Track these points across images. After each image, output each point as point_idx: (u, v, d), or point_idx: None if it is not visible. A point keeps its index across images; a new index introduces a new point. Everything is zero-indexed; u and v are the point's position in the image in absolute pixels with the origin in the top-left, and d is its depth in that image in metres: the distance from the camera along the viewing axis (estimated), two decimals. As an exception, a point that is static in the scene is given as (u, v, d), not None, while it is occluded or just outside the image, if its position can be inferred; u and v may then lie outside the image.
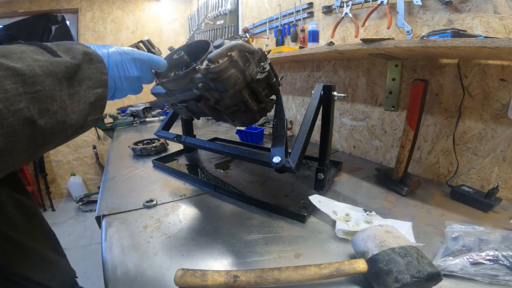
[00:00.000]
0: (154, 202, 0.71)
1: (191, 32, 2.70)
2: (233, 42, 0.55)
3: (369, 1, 0.92)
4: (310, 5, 1.22)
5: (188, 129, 1.06)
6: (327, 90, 0.68)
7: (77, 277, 0.58)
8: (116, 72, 0.40)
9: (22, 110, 0.24)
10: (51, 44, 0.31)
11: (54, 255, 0.51)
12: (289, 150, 0.64)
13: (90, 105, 0.32)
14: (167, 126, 1.00)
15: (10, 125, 0.23)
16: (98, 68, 0.33)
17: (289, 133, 1.44)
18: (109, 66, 0.39)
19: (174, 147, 1.19)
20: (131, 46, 0.51)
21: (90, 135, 2.73)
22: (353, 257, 0.50)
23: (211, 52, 0.54)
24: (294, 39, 1.35)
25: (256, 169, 0.93)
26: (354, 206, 0.66)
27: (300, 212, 0.64)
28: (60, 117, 0.28)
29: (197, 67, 0.53)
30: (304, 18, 1.28)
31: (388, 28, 0.86)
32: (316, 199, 0.65)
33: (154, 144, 1.16)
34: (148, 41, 0.62)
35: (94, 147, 2.79)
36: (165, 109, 2.18)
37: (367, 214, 0.62)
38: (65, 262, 0.55)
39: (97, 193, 1.69)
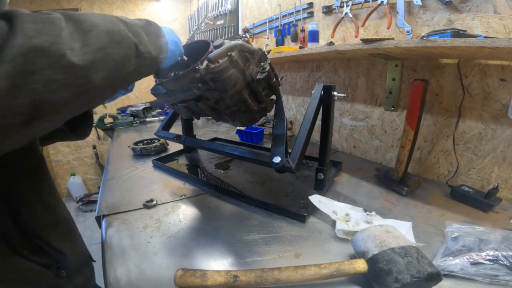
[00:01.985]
0: (154, 202, 0.71)
1: (191, 32, 2.70)
2: (233, 42, 0.55)
3: (369, 1, 0.92)
4: (310, 5, 1.22)
5: (188, 129, 1.06)
6: (327, 90, 0.68)
7: (94, 261, 0.63)
8: (167, 36, 0.50)
9: (131, 37, 0.37)
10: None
11: (74, 227, 0.58)
12: (289, 150, 0.64)
13: (160, 47, 0.44)
14: (167, 126, 1.00)
15: (128, 43, 0.36)
16: (157, 27, 0.46)
17: (289, 133, 1.44)
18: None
19: (174, 147, 1.19)
20: None
21: (90, 135, 2.73)
22: (353, 257, 0.50)
23: (211, 52, 0.54)
24: (294, 39, 1.35)
25: (256, 169, 0.93)
26: (354, 206, 0.66)
27: (300, 212, 0.64)
28: (147, 49, 0.40)
29: (197, 67, 0.53)
30: (304, 18, 1.28)
31: (388, 28, 0.86)
32: (316, 199, 0.65)
33: (154, 144, 1.16)
34: None
35: (94, 147, 2.79)
36: (165, 109, 2.18)
37: (367, 214, 0.62)
38: (81, 239, 0.61)
39: (97, 193, 1.69)
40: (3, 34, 0.24)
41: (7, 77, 0.24)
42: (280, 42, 1.45)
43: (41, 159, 0.51)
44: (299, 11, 1.28)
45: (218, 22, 2.20)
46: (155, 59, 0.44)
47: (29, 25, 0.26)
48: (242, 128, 1.31)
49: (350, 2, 0.99)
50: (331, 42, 0.89)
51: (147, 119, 1.96)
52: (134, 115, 1.95)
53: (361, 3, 0.96)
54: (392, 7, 0.85)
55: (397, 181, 0.78)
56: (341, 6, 1.03)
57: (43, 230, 0.46)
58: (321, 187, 0.75)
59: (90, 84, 0.31)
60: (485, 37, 0.52)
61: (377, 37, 0.69)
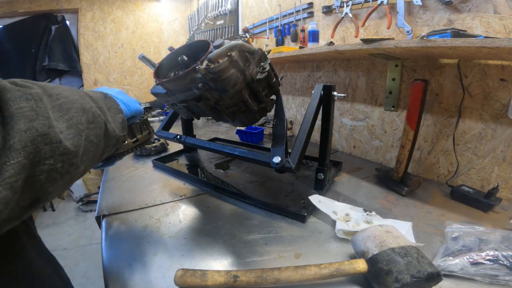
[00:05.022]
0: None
1: (191, 32, 2.70)
2: (233, 42, 0.55)
3: (369, 1, 0.92)
4: (310, 5, 1.22)
5: (188, 129, 1.06)
6: (327, 90, 0.68)
7: None
8: (120, 98, 0.49)
9: (101, 115, 0.35)
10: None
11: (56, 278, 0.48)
12: (289, 150, 0.64)
13: (120, 124, 0.42)
14: (167, 126, 1.00)
15: (99, 122, 0.34)
16: (113, 101, 0.43)
17: (289, 133, 1.44)
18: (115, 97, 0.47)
19: (174, 147, 1.19)
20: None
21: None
22: (353, 257, 0.50)
23: (211, 52, 0.54)
24: (294, 39, 1.35)
25: (256, 169, 0.93)
26: (354, 206, 0.66)
27: (300, 212, 0.64)
28: (111, 126, 0.38)
29: (197, 67, 0.53)
30: (304, 18, 1.28)
31: (388, 28, 0.86)
32: (316, 199, 0.65)
33: (154, 144, 1.16)
34: (144, 56, 0.66)
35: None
36: (165, 109, 2.18)
37: (367, 214, 0.62)
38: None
39: (97, 193, 1.69)
40: None
41: (23, 169, 0.20)
42: (280, 42, 1.45)
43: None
44: (299, 11, 1.28)
45: (218, 22, 2.20)
46: (118, 139, 0.40)
47: (23, 103, 0.21)
48: (242, 128, 1.31)
49: (350, 2, 0.99)
50: (331, 42, 0.89)
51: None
52: (134, 115, 1.95)
53: (361, 3, 0.96)
54: (392, 7, 0.85)
55: (397, 181, 0.78)
56: (341, 6, 1.03)
57: None
58: (321, 187, 0.75)
59: (78, 170, 0.27)
60: (485, 37, 0.52)
61: (377, 37, 0.69)
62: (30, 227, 0.45)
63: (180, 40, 2.99)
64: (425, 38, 0.60)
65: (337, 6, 1.04)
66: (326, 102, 0.69)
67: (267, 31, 1.57)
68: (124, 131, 0.43)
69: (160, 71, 0.68)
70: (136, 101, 0.53)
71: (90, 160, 0.31)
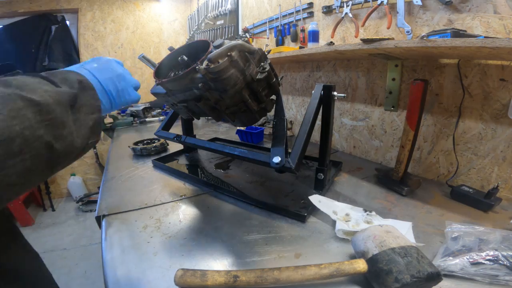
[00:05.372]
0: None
1: (191, 32, 2.70)
2: (233, 42, 0.55)
3: (369, 1, 0.92)
4: (310, 5, 1.22)
5: (188, 129, 1.06)
6: (327, 90, 0.68)
7: None
8: (109, 87, 0.43)
9: (43, 136, 0.27)
10: (46, 73, 0.33)
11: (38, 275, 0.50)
12: (289, 150, 0.64)
13: (90, 129, 0.35)
14: (167, 126, 1.00)
15: (35, 148, 0.26)
16: (91, 95, 0.36)
17: (289, 133, 1.44)
18: (100, 86, 0.41)
19: (174, 147, 1.19)
20: None
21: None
22: (353, 257, 0.50)
23: (211, 52, 0.54)
24: (294, 39, 1.35)
25: (256, 169, 0.93)
26: (354, 206, 0.66)
27: (300, 212, 0.64)
28: (69, 141, 0.31)
29: (197, 67, 0.53)
30: (304, 18, 1.28)
31: (388, 28, 0.86)
32: (316, 199, 0.65)
33: (154, 144, 1.16)
34: (144, 56, 0.66)
35: (94, 147, 2.79)
36: (165, 109, 2.18)
37: (367, 214, 0.62)
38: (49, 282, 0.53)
39: (97, 193, 1.69)
40: None
41: None
42: (280, 42, 1.45)
43: None
44: (299, 11, 1.28)
45: (218, 22, 2.20)
46: (80, 149, 0.34)
47: None
48: (242, 128, 1.31)
49: (350, 2, 0.99)
50: (331, 42, 0.89)
51: (147, 119, 1.95)
52: (134, 115, 1.95)
53: (361, 3, 0.96)
54: (392, 7, 0.85)
55: (397, 181, 0.78)
56: (341, 6, 1.03)
57: None
58: (321, 187, 0.75)
59: None
60: (485, 37, 0.52)
61: (377, 37, 0.69)
62: (14, 225, 0.47)
63: (180, 40, 2.99)
64: (425, 38, 0.60)
65: (337, 6, 1.04)
66: (326, 102, 0.69)
67: (267, 31, 1.57)
68: (94, 137, 0.36)
69: (160, 71, 0.68)
70: (131, 86, 0.47)
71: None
